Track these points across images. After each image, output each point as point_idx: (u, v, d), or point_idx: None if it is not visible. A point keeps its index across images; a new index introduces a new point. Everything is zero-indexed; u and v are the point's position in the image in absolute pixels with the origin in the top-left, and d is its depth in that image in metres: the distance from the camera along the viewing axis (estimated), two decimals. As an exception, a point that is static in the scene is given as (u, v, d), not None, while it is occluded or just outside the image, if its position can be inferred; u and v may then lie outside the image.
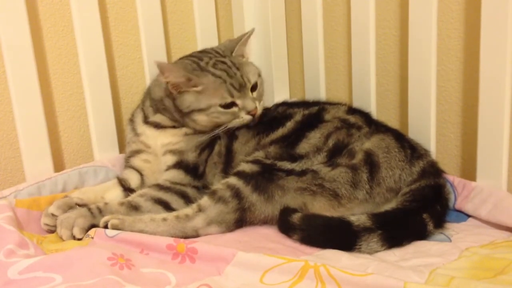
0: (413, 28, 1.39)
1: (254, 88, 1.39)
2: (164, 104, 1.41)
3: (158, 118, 1.44)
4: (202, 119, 1.36)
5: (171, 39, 1.74)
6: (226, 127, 1.37)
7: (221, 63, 1.38)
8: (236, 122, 1.37)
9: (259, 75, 1.43)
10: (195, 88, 1.33)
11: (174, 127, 1.42)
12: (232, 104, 1.35)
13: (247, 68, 1.40)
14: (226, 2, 1.81)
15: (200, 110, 1.35)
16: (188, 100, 1.35)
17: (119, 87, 1.66)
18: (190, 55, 1.45)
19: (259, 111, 1.38)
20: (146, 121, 1.45)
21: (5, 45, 1.36)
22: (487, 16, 1.23)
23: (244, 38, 1.44)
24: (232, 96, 1.34)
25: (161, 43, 1.63)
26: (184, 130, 1.41)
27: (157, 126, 1.43)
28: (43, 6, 1.49)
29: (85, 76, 1.50)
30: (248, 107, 1.36)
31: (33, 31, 1.40)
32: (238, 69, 1.37)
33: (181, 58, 1.46)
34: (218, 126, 1.37)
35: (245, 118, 1.37)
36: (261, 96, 1.43)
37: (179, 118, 1.40)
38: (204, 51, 1.46)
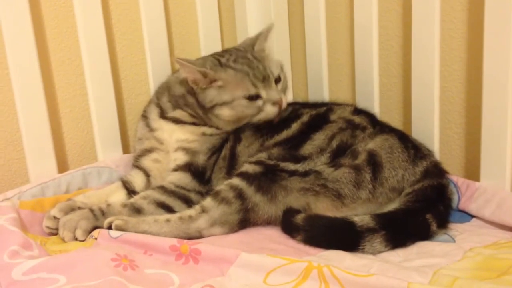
0: (416, 29, 1.38)
1: (277, 81, 1.39)
2: (187, 101, 1.41)
3: (178, 113, 1.44)
4: (225, 113, 1.36)
5: (174, 41, 1.74)
6: (250, 121, 1.37)
7: (242, 58, 1.38)
8: (260, 116, 1.37)
9: (282, 69, 1.43)
10: (216, 83, 1.34)
11: (194, 123, 1.42)
12: (257, 96, 1.34)
13: (269, 61, 1.40)
14: (229, 4, 1.81)
15: (223, 104, 1.35)
16: (211, 95, 1.35)
17: (123, 88, 1.66)
18: (212, 54, 1.46)
19: (284, 103, 1.37)
20: (163, 116, 1.45)
21: (9, 47, 1.36)
22: (490, 16, 1.23)
23: (264, 33, 1.44)
24: (256, 87, 1.34)
25: (164, 44, 1.63)
26: (203, 129, 1.41)
27: (176, 121, 1.43)
28: (47, 8, 1.50)
29: (89, 78, 1.50)
30: (273, 97, 1.35)
31: (36, 33, 1.40)
32: (260, 62, 1.38)
33: (201, 57, 1.46)
34: (241, 121, 1.38)
35: (270, 111, 1.35)
36: (286, 89, 1.43)
37: (202, 114, 1.40)
38: (225, 50, 1.47)
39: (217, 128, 1.41)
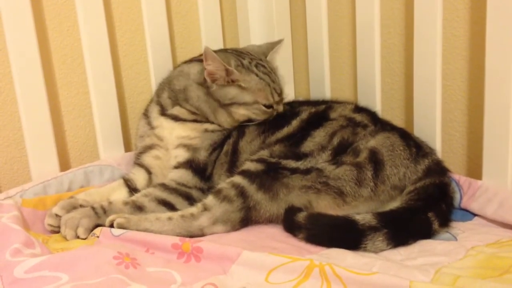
0: (418, 27, 1.38)
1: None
2: (187, 95, 1.42)
3: (177, 111, 1.44)
4: (240, 113, 1.39)
5: (176, 40, 1.74)
6: (252, 122, 1.41)
7: (262, 66, 1.42)
8: (264, 117, 1.41)
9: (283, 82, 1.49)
10: (238, 83, 1.36)
11: (195, 121, 1.43)
12: (271, 106, 1.40)
13: (279, 76, 1.46)
14: (230, 2, 1.81)
15: (242, 104, 1.38)
16: (231, 93, 1.37)
17: (124, 87, 1.66)
18: (226, 51, 1.47)
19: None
20: (163, 113, 1.45)
21: (11, 46, 1.36)
22: (493, 14, 1.23)
23: (277, 47, 1.50)
24: (273, 99, 1.40)
25: (166, 43, 1.63)
26: (205, 125, 1.42)
27: (176, 118, 1.44)
28: (49, 7, 1.50)
29: (91, 76, 1.50)
30: (280, 110, 1.43)
31: (38, 32, 1.41)
32: (275, 75, 1.44)
33: (219, 51, 1.46)
34: (246, 122, 1.41)
35: (272, 115, 1.42)
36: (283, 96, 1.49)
37: (208, 109, 1.40)
38: (240, 51, 1.48)
39: (219, 125, 1.41)
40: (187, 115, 1.43)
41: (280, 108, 1.43)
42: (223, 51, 1.47)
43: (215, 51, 1.37)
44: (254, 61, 1.42)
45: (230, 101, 1.38)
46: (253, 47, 1.53)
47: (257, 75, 1.39)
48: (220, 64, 1.34)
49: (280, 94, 1.42)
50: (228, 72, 1.35)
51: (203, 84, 1.39)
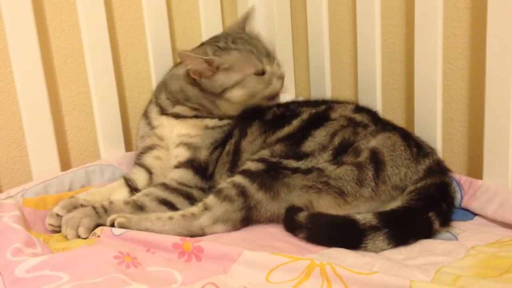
0: (419, 26, 1.38)
1: (273, 57, 1.43)
2: (187, 94, 1.42)
3: (178, 109, 1.44)
4: (237, 94, 1.38)
5: (177, 39, 1.74)
6: (259, 101, 1.40)
7: (239, 38, 1.41)
8: (269, 91, 1.40)
9: (271, 44, 1.47)
10: (223, 66, 1.36)
11: (196, 116, 1.43)
12: (263, 71, 1.39)
13: (263, 39, 1.44)
14: (231, 2, 1.81)
15: (235, 85, 1.37)
16: (220, 80, 1.37)
17: (125, 86, 1.66)
18: (203, 43, 1.47)
19: (284, 76, 1.43)
20: (164, 113, 1.46)
21: (12, 45, 1.36)
22: (493, 13, 1.23)
23: (247, 15, 1.48)
24: (262, 62, 1.38)
25: (167, 42, 1.63)
26: (205, 121, 1.42)
27: (177, 116, 1.44)
28: (49, 6, 1.50)
29: (91, 76, 1.50)
30: (277, 71, 1.41)
31: (39, 31, 1.41)
32: (257, 40, 1.42)
33: (196, 47, 1.47)
34: (251, 100, 1.40)
35: (276, 84, 1.41)
36: (280, 63, 1.46)
37: (209, 104, 1.40)
38: (215, 36, 1.48)
39: (225, 116, 1.42)
40: (188, 111, 1.43)
41: (277, 70, 1.41)
42: (201, 45, 1.47)
43: (194, 48, 1.40)
44: (230, 38, 1.41)
45: (221, 89, 1.37)
46: (230, 26, 1.52)
47: (236, 49, 1.38)
48: (197, 59, 1.34)
49: (268, 55, 1.40)
50: (208, 62, 1.35)
51: (194, 83, 1.40)
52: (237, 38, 1.41)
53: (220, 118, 1.42)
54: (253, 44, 1.40)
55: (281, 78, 1.41)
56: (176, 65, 1.51)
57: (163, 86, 1.49)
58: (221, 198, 1.23)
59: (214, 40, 1.44)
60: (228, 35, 1.44)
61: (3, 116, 1.47)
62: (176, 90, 1.44)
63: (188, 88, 1.41)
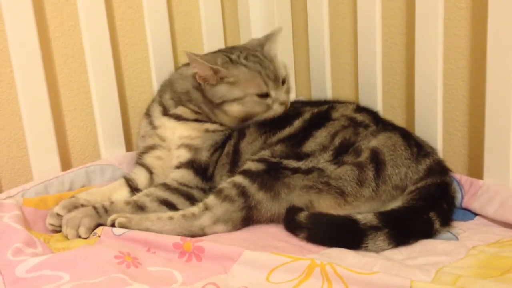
0: (420, 26, 1.38)
1: (283, 82, 1.42)
2: (190, 96, 1.42)
3: (180, 110, 1.44)
4: (235, 109, 1.37)
5: (177, 39, 1.74)
6: (255, 119, 1.39)
7: (253, 56, 1.40)
8: (267, 115, 1.39)
9: (286, 70, 1.45)
10: (227, 79, 1.35)
11: (196, 120, 1.43)
12: (267, 95, 1.37)
13: (277, 62, 1.43)
14: (232, 1, 1.81)
15: (234, 100, 1.36)
16: (221, 91, 1.36)
17: (126, 86, 1.66)
18: (219, 50, 1.47)
19: (288, 104, 1.41)
20: (166, 113, 1.46)
21: (12, 45, 1.36)
22: (494, 13, 1.23)
23: (273, 35, 1.47)
24: (267, 85, 1.37)
25: (167, 42, 1.63)
26: (206, 125, 1.42)
27: (178, 118, 1.44)
28: (50, 6, 1.50)
29: (92, 76, 1.50)
30: (281, 98, 1.39)
31: (40, 31, 1.41)
32: (270, 62, 1.41)
33: (209, 53, 1.47)
34: (248, 118, 1.39)
35: (277, 109, 1.39)
36: (290, 89, 1.46)
37: (208, 110, 1.41)
38: (232, 47, 1.48)
39: (221, 124, 1.41)
40: (189, 114, 1.43)
41: (282, 96, 1.39)
42: (217, 51, 1.47)
43: (206, 53, 1.39)
44: (244, 53, 1.41)
45: (220, 100, 1.37)
46: (252, 41, 1.51)
47: (245, 66, 1.37)
48: (204, 65, 1.34)
49: (276, 80, 1.39)
50: (214, 71, 1.35)
51: (198, 87, 1.40)
52: (251, 55, 1.40)
53: (221, 124, 1.42)
54: (264, 65, 1.39)
55: (284, 104, 1.39)
56: (184, 65, 1.51)
57: (169, 85, 1.49)
58: (222, 198, 1.23)
59: (229, 51, 1.44)
60: (244, 49, 1.44)
61: (4, 116, 1.47)
62: (181, 90, 1.44)
63: (193, 90, 1.42)
